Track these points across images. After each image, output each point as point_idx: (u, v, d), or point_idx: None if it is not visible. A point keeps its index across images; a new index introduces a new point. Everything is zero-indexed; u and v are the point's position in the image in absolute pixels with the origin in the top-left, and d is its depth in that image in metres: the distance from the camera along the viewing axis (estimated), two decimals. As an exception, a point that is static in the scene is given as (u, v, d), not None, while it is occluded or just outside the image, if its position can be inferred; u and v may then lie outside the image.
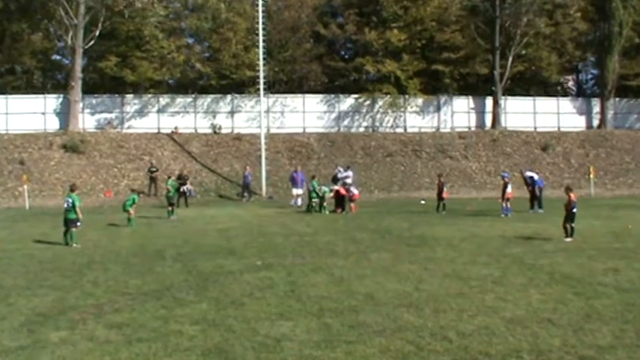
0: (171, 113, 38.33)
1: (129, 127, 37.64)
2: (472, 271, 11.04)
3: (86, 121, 37.02)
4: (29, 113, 35.98)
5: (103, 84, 39.48)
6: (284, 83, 40.97)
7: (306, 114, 39.13)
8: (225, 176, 33.59)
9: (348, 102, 40.13)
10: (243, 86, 38.20)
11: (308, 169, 33.19)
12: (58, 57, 43.27)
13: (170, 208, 21.87)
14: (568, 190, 15.39)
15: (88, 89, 37.42)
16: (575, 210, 14.98)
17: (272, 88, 37.68)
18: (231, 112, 38.81)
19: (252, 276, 10.77)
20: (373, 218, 21.07)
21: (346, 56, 44.62)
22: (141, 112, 38.23)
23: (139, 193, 22.00)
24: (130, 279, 10.63)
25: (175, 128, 37.15)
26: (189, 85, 40.74)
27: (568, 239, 14.72)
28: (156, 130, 37.24)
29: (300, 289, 9.67)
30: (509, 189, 21.52)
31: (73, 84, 35.09)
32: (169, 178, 24.53)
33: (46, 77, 42.85)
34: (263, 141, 32.82)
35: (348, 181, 27.17)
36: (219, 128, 37.64)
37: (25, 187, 28.09)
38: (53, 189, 30.49)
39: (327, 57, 41.57)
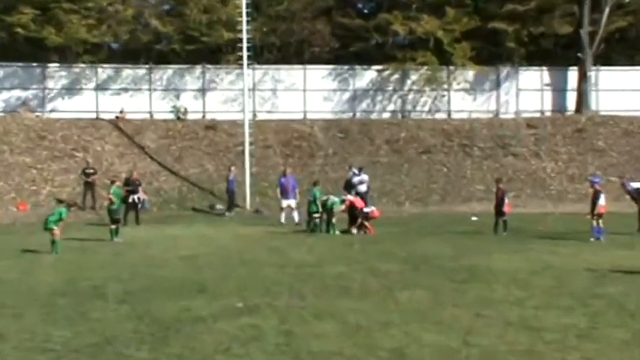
0: (115, 91, 38.52)
1: (53, 111, 37.80)
2: (547, 319, 10.98)
3: (-9, 101, 37.32)
4: None
5: (15, 47, 39.50)
6: (277, 49, 41.06)
7: (307, 93, 39.26)
8: (192, 181, 33.62)
9: (367, 76, 40.21)
10: (218, 53, 38.28)
11: (310, 170, 33.21)
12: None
13: (114, 227, 21.92)
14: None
15: (-7, 55, 37.66)
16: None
17: (260, 56, 37.75)
18: (202, 90, 38.95)
19: (230, 323, 10.74)
20: (403, 242, 21.07)
21: (365, 11, 44.73)
22: (71, 90, 38.42)
23: (68, 205, 22.00)
24: (55, 329, 10.57)
25: (121, 112, 37.27)
26: (141, 52, 40.87)
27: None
28: (93, 115, 37.37)
29: (298, 341, 9.63)
30: (601, 200, 21.40)
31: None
32: (113, 183, 24.53)
33: None
34: (247, 131, 32.84)
35: (362, 188, 27.18)
36: (185, 113, 37.72)
37: None
38: (-54, 199, 30.62)
39: (339, 12, 41.68)
